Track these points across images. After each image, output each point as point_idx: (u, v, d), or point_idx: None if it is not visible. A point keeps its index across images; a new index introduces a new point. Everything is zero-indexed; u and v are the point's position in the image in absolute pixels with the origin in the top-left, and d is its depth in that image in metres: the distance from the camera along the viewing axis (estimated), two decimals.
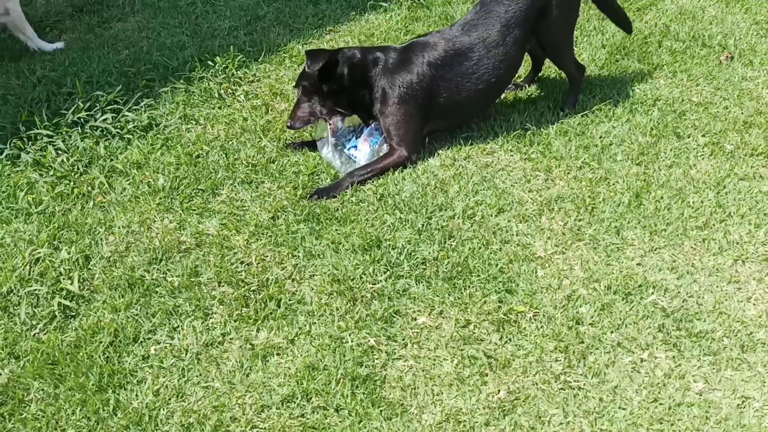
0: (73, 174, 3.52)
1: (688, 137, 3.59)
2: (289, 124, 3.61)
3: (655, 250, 2.93)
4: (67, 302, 2.81)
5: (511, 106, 3.90)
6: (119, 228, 3.16)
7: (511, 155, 3.52)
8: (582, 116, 3.75)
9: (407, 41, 3.75)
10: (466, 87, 3.57)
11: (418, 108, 3.51)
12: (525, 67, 4.08)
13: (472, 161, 3.49)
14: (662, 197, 3.19)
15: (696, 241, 2.96)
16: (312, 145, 3.66)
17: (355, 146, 3.61)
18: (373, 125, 3.65)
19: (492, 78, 3.59)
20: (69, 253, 3.00)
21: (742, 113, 3.76)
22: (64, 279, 2.90)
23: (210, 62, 4.35)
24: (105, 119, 3.84)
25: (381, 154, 3.54)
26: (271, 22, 5.05)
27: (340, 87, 3.52)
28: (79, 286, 2.88)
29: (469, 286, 2.79)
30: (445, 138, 3.67)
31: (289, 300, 2.78)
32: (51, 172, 3.51)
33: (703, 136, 3.59)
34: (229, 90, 4.18)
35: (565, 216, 3.12)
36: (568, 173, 3.38)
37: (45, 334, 2.71)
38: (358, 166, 3.50)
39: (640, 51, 4.37)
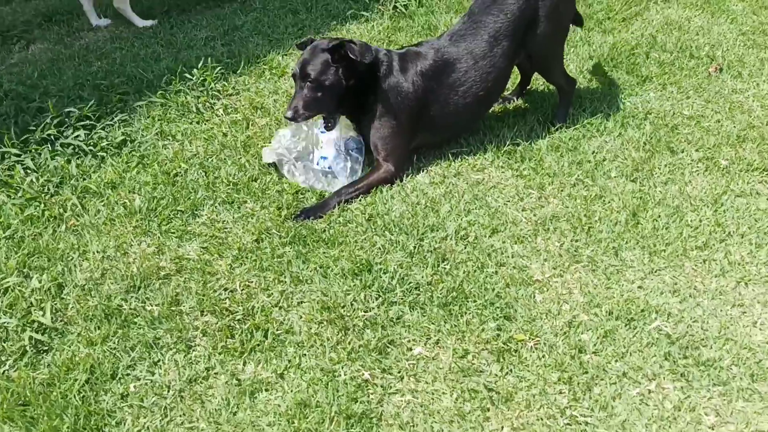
0: (43, 195, 3.33)
1: (682, 152, 3.51)
2: (289, 114, 3.21)
3: (656, 272, 2.83)
4: (38, 336, 2.62)
5: (500, 120, 3.80)
6: (94, 253, 2.98)
7: (503, 172, 3.41)
8: (573, 130, 3.65)
9: (403, 48, 3.59)
10: (454, 99, 3.45)
11: (408, 120, 3.38)
12: (512, 80, 3.97)
13: (462, 178, 3.37)
14: (659, 215, 3.09)
15: (696, 262, 2.87)
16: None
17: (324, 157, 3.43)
18: (343, 136, 3.46)
19: (480, 91, 3.48)
20: (40, 282, 2.82)
21: (735, 127, 3.69)
22: (35, 310, 2.72)
23: (187, 75, 4.18)
24: (77, 136, 3.65)
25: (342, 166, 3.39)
26: (249, 32, 4.90)
27: (356, 84, 3.31)
28: (52, 318, 2.69)
29: (465, 313, 2.66)
30: (434, 153, 3.55)
31: (277, 330, 2.63)
32: (20, 194, 3.32)
33: (697, 150, 3.51)
34: (207, 104, 4.01)
35: (561, 236, 3.01)
36: (562, 191, 3.27)
37: (15, 371, 2.53)
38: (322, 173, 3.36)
39: (628, 62, 4.29)
